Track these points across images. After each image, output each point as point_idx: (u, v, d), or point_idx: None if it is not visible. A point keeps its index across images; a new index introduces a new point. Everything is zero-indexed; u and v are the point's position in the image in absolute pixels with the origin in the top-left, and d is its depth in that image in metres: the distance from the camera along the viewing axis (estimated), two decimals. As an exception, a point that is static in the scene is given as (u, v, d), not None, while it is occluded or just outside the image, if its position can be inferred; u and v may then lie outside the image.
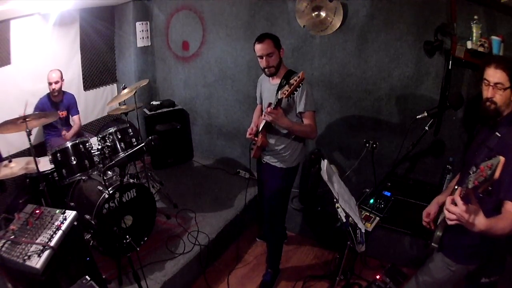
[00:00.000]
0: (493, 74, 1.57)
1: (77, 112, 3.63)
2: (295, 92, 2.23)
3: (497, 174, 1.28)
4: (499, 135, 1.59)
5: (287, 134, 2.46)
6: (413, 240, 2.98)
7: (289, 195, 2.73)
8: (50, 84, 3.30)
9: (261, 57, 2.34)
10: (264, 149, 2.56)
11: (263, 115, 2.40)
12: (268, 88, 2.53)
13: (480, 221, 1.36)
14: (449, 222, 1.40)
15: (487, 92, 1.61)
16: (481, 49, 2.52)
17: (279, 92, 2.28)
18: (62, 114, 3.48)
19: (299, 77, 2.16)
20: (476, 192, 1.38)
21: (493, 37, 2.49)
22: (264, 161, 2.65)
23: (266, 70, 2.40)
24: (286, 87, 2.20)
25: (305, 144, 2.64)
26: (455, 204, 1.36)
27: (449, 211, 1.38)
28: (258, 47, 2.33)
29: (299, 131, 2.40)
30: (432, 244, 1.69)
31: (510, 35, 2.54)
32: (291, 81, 2.18)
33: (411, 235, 2.98)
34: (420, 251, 2.98)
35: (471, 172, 1.34)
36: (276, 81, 2.44)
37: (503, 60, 1.63)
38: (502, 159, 1.29)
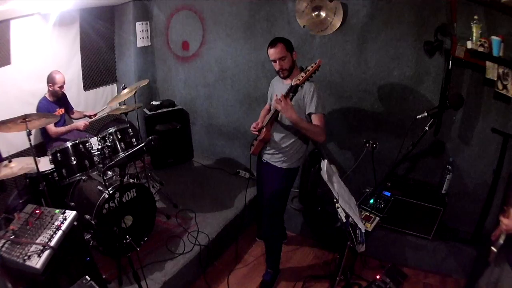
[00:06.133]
0: None
1: (72, 108, 3.74)
2: (303, 85, 2.26)
3: None
4: None
5: (294, 132, 2.46)
6: (413, 240, 2.98)
7: (287, 196, 2.73)
8: (60, 87, 3.35)
9: (274, 61, 2.39)
10: (266, 143, 2.56)
11: (272, 104, 2.41)
12: (280, 88, 2.53)
13: None
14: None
15: None
16: (481, 49, 2.53)
17: (293, 80, 2.31)
18: (61, 111, 3.51)
19: (316, 63, 2.19)
20: None
21: (493, 37, 2.50)
22: (264, 160, 2.65)
23: (279, 73, 2.44)
24: (302, 74, 2.24)
25: (307, 147, 2.63)
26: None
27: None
28: (271, 51, 2.38)
29: (307, 129, 2.35)
30: (492, 248, 1.87)
31: (510, 35, 2.54)
32: (308, 67, 2.22)
33: (411, 235, 2.99)
34: (420, 251, 2.98)
35: None
36: (290, 82, 2.44)
37: None
38: None
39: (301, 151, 2.57)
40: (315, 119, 2.37)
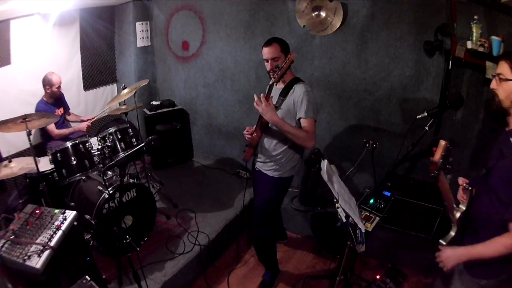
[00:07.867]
0: (498, 66, 1.59)
1: (69, 108, 3.72)
2: (295, 88, 2.23)
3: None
4: None
5: (285, 140, 2.36)
6: (413, 240, 2.98)
7: (279, 204, 2.70)
8: (58, 87, 3.33)
9: (267, 60, 2.29)
10: (256, 149, 2.49)
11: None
12: (274, 91, 2.46)
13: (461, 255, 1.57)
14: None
15: (492, 84, 1.62)
16: (481, 49, 2.53)
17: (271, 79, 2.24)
18: (60, 112, 3.51)
19: (288, 58, 2.12)
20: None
21: (493, 37, 2.50)
22: (257, 168, 2.58)
23: (270, 73, 2.33)
24: (277, 70, 2.17)
25: (302, 157, 2.55)
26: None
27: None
28: (265, 50, 2.29)
29: (291, 133, 2.21)
30: (440, 240, 1.70)
31: (510, 35, 2.54)
32: (283, 64, 2.14)
33: (411, 235, 2.99)
34: (420, 251, 2.98)
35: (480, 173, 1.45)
36: (281, 85, 2.36)
37: (510, 53, 1.64)
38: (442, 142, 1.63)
39: (294, 160, 2.47)
40: (304, 124, 2.26)
